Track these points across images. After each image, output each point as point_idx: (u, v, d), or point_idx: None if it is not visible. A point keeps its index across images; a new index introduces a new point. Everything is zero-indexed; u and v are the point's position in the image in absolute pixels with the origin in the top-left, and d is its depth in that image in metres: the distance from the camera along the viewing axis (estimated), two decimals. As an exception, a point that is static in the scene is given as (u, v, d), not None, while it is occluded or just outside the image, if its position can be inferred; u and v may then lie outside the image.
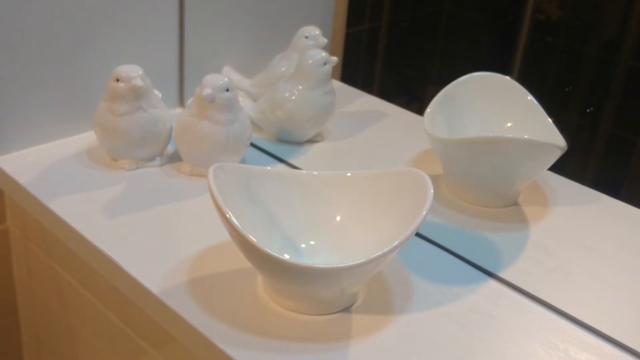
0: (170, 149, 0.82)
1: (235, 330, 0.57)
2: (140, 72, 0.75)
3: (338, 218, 0.64)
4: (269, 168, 0.73)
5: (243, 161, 0.81)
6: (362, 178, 0.64)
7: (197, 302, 0.60)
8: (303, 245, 0.64)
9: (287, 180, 0.64)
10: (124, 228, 0.69)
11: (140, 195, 0.75)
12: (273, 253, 0.53)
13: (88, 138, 0.83)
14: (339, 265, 0.54)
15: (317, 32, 0.90)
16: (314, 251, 0.63)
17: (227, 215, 0.54)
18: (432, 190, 0.58)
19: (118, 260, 0.64)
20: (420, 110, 0.96)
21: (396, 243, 0.54)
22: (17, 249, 0.92)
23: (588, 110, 0.93)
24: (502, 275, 0.66)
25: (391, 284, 0.64)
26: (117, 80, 0.74)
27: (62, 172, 0.78)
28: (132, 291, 0.64)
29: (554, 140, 0.72)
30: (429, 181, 0.59)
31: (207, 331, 0.56)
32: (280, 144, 0.87)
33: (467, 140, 0.73)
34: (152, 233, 0.69)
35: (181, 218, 0.72)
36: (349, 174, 0.64)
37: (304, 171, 0.65)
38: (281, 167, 0.83)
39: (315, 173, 0.64)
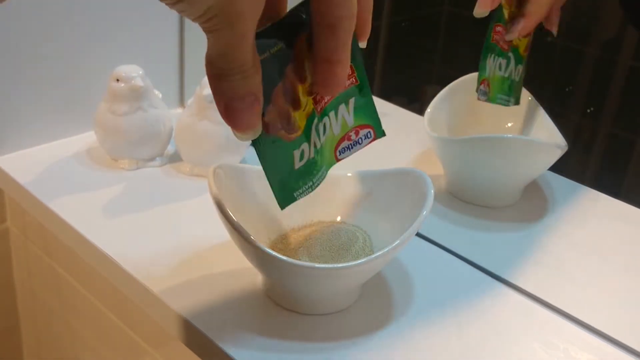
0: (170, 149, 0.82)
1: (235, 330, 0.57)
2: (141, 72, 0.75)
3: (338, 218, 0.64)
4: None
5: (243, 161, 0.81)
6: (362, 178, 0.64)
7: (197, 302, 0.60)
8: (303, 245, 0.64)
9: None
10: (124, 228, 0.69)
11: (140, 195, 0.75)
12: (273, 253, 0.53)
13: (88, 138, 0.83)
14: (338, 266, 0.54)
15: (317, 32, 0.90)
16: (314, 251, 0.63)
17: (228, 215, 0.54)
18: (432, 190, 0.58)
19: (118, 260, 0.64)
20: (420, 110, 0.96)
21: (396, 243, 0.54)
22: (17, 249, 0.92)
23: (588, 111, 0.93)
24: (502, 275, 0.66)
25: (391, 284, 0.64)
26: (117, 80, 0.74)
27: (62, 172, 0.78)
28: (132, 291, 0.64)
29: (554, 140, 0.72)
30: (429, 181, 0.59)
31: (207, 330, 0.56)
32: (280, 144, 0.87)
33: (467, 140, 0.73)
34: (152, 233, 0.69)
35: (181, 218, 0.72)
36: (349, 174, 0.64)
37: None
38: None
39: None
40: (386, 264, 0.60)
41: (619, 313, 0.63)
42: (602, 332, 0.60)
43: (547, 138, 0.73)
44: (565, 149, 0.70)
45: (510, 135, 0.77)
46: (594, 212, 0.78)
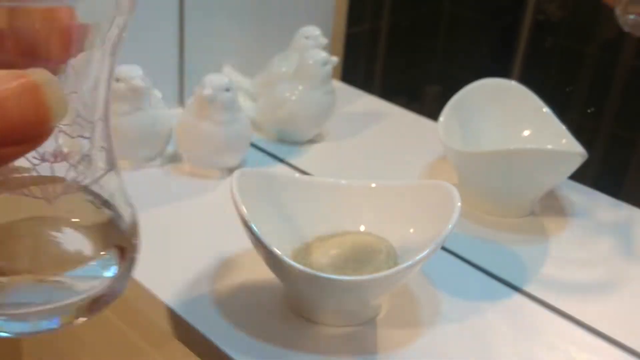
0: (170, 149, 0.82)
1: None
2: (140, 72, 0.75)
3: (362, 228, 0.63)
4: (297, 175, 0.72)
5: (243, 161, 0.81)
6: (386, 189, 0.63)
7: (196, 301, 0.60)
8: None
9: (311, 188, 0.63)
10: (124, 228, 0.69)
11: (140, 195, 0.73)
12: (300, 267, 0.52)
13: (88, 138, 0.83)
14: (364, 278, 0.53)
15: (317, 33, 0.90)
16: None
17: (251, 228, 0.53)
18: (459, 204, 0.56)
19: (118, 260, 0.64)
20: (420, 111, 0.96)
21: (419, 257, 0.53)
22: (17, 249, 0.91)
23: (589, 111, 0.93)
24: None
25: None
26: (117, 80, 0.74)
27: (62, 172, 0.77)
28: (131, 291, 0.64)
29: (574, 148, 0.70)
30: (456, 194, 0.57)
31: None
32: (280, 144, 0.87)
33: (490, 153, 0.72)
34: (152, 233, 0.68)
35: (181, 218, 0.72)
36: (373, 185, 0.63)
37: (330, 179, 0.63)
38: (295, 173, 0.83)
39: (343, 182, 0.63)
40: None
41: (619, 314, 0.63)
42: (602, 333, 0.60)
43: (566, 146, 0.72)
44: (586, 156, 0.68)
45: (534, 146, 0.75)
46: (593, 213, 0.78)
